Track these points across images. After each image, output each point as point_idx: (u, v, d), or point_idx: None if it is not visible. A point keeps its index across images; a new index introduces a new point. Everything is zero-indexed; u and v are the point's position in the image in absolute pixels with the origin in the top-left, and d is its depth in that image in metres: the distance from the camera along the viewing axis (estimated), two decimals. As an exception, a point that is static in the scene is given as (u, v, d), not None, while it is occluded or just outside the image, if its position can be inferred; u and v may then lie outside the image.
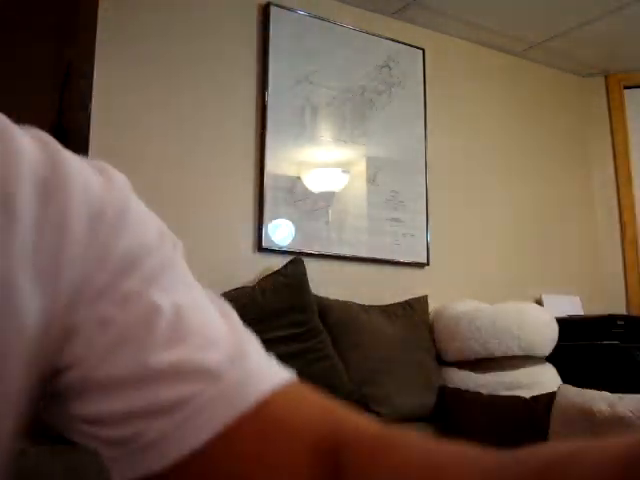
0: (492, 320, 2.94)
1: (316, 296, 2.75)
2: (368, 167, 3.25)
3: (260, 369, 0.44)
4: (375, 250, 3.19)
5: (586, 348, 3.10)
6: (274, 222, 2.94)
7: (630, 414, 2.19)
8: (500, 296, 3.33)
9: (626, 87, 4.22)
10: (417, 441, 0.40)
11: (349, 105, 3.24)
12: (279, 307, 2.57)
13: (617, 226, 4.13)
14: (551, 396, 2.56)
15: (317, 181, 3.09)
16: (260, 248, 2.89)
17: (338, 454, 0.41)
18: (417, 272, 3.33)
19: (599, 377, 2.86)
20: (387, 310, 2.99)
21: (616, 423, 2.22)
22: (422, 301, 3.14)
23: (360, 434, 0.42)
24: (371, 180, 3.24)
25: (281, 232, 2.95)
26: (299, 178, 3.05)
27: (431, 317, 3.13)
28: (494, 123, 3.80)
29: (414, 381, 2.80)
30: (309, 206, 3.04)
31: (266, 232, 2.91)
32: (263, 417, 0.41)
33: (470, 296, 3.31)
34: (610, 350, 3.03)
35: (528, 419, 2.55)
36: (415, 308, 3.08)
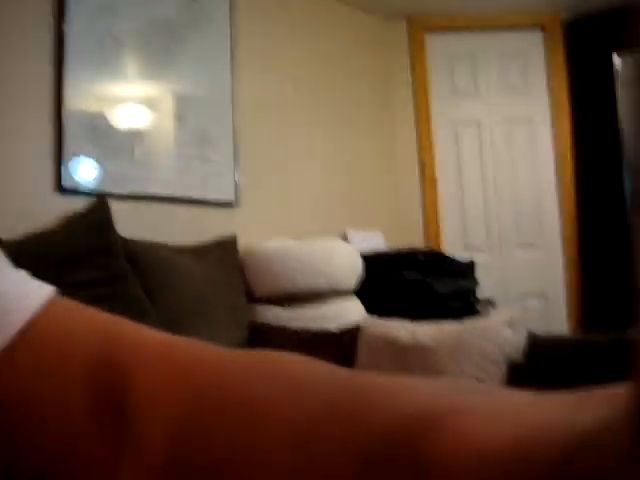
0: (300, 257, 3.01)
1: (122, 238, 2.66)
2: (175, 104, 3.16)
3: (9, 292, 0.35)
4: (183, 190, 3.13)
5: (389, 281, 3.26)
6: (76, 161, 2.79)
7: (429, 341, 2.34)
8: (308, 233, 3.41)
9: (427, 31, 4.40)
10: (215, 353, 0.35)
11: (155, 38, 3.10)
12: (83, 250, 2.46)
13: (416, 165, 4.34)
14: (357, 327, 2.68)
15: (122, 118, 2.96)
16: (61, 189, 2.74)
17: (120, 377, 0.34)
18: (226, 211, 3.32)
19: (402, 308, 3.03)
20: (197, 250, 2.96)
21: (417, 350, 2.37)
22: (232, 240, 3.14)
23: (143, 347, 0.36)
24: (178, 117, 3.15)
25: (84, 171, 2.81)
26: (102, 114, 2.90)
27: (241, 256, 3.14)
28: (303, 63, 3.82)
29: (225, 320, 2.82)
30: (114, 144, 2.91)
31: (67, 172, 2.75)
32: (22, 352, 0.34)
33: (279, 234, 3.36)
34: (411, 282, 3.21)
35: (336, 350, 2.66)
36: (225, 247, 3.08)
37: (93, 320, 0.38)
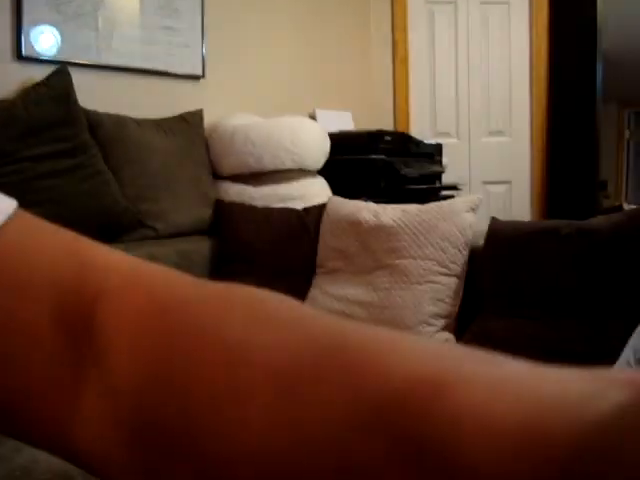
0: (266, 134, 2.97)
1: (85, 109, 2.59)
2: (139, -31, 3.01)
3: None
4: (148, 61, 3.03)
5: (355, 162, 3.25)
6: (35, 28, 2.67)
7: (392, 222, 2.36)
8: (275, 111, 3.36)
9: None
10: (179, 281, 0.33)
11: None
12: (44, 121, 2.39)
13: (389, 45, 4.25)
14: (321, 207, 2.69)
15: (82, -18, 2.82)
16: (20, 57, 2.64)
17: (88, 302, 0.32)
18: (192, 85, 3.24)
19: (366, 189, 3.04)
20: (161, 124, 2.91)
21: (380, 230, 2.39)
22: (197, 115, 3.08)
23: (112, 272, 0.33)
24: (142, -16, 3.01)
25: (44, 39, 2.70)
26: (61, -22, 2.76)
27: (206, 131, 3.09)
28: None
29: (190, 196, 2.80)
30: (75, 10, 2.78)
31: (27, 39, 2.64)
32: None
33: (246, 110, 3.30)
34: (377, 164, 3.20)
35: (300, 229, 2.67)
36: (190, 122, 3.02)
37: (58, 239, 0.35)
